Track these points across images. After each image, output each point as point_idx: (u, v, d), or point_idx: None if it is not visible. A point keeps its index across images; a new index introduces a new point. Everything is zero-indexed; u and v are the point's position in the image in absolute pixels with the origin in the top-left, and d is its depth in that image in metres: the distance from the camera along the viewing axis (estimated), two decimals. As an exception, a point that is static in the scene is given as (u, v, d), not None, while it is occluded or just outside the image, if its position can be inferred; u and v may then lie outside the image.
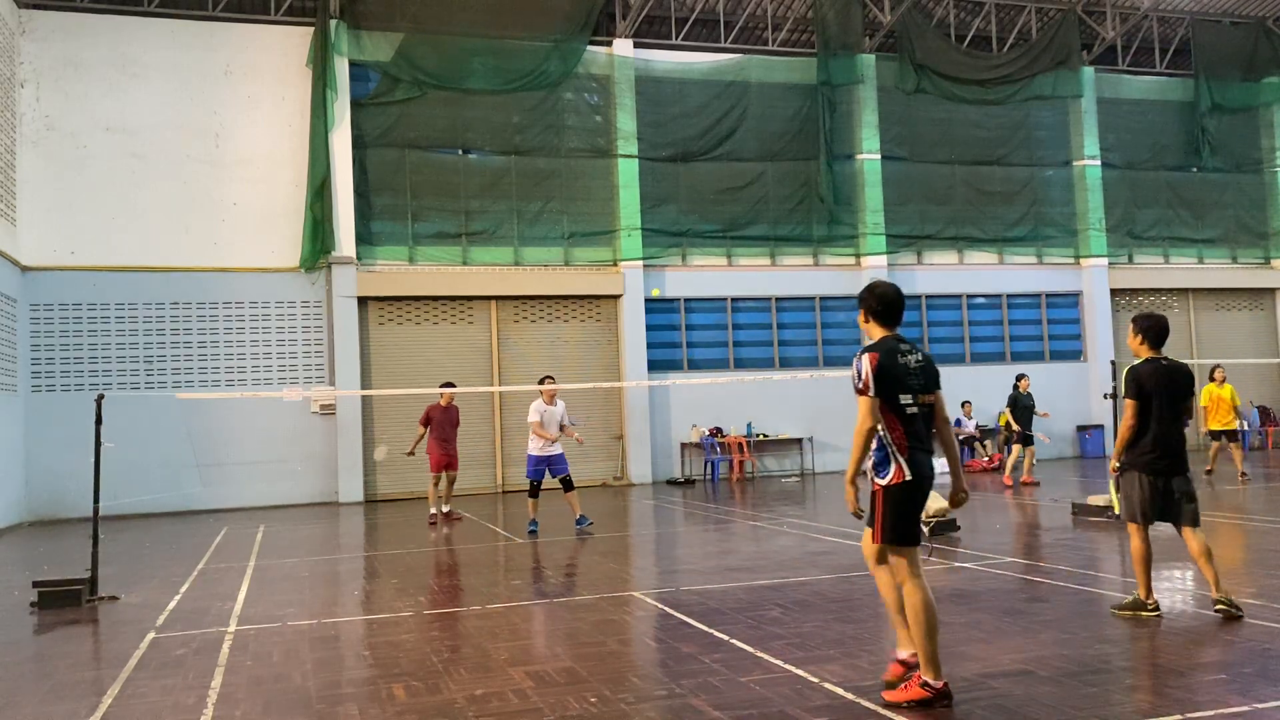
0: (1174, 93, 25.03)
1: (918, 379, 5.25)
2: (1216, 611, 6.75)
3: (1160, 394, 6.80)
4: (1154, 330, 6.95)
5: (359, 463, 19.05)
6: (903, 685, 5.19)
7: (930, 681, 5.07)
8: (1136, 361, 6.99)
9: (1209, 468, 17.57)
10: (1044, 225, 23.81)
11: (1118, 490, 7.09)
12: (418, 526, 14.43)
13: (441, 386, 15.07)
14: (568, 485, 13.07)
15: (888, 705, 5.11)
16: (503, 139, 20.67)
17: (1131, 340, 7.09)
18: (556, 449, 13.01)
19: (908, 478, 5.19)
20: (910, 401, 5.22)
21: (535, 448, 12.98)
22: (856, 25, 22.33)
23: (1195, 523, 6.85)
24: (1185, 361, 7.14)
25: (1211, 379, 17.29)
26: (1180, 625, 6.71)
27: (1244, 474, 16.64)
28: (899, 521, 5.23)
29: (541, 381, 13.35)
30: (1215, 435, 17.35)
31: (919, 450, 5.23)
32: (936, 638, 5.10)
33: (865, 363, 5.20)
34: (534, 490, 13.09)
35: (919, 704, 5.04)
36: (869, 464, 5.33)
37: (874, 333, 5.42)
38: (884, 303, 5.38)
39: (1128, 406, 6.90)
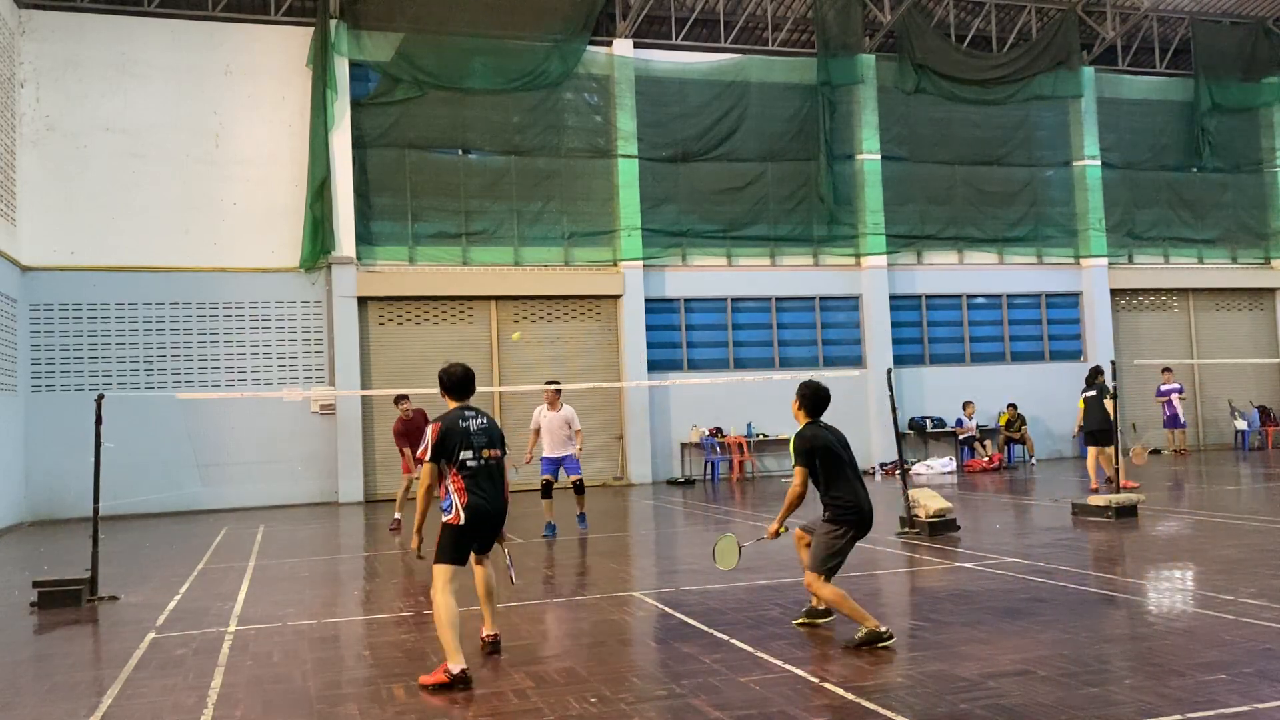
0: (1174, 93, 25.03)
1: (480, 438, 6.35)
2: (795, 624, 7.07)
3: (837, 455, 6.81)
4: (813, 399, 6.98)
5: (359, 463, 19.05)
6: (433, 671, 6.00)
7: (450, 668, 5.88)
8: (800, 428, 6.99)
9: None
10: (1044, 225, 23.80)
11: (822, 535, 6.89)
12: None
13: (398, 401, 14.74)
14: (578, 489, 13.00)
15: (424, 689, 5.86)
16: (503, 139, 20.67)
17: (794, 406, 7.10)
18: (568, 450, 12.83)
19: (462, 521, 6.24)
20: (471, 457, 6.27)
21: (545, 449, 12.88)
22: (856, 25, 22.32)
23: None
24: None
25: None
26: (1180, 625, 6.71)
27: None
28: (450, 548, 6.24)
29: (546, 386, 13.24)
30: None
31: (475, 495, 6.26)
32: (455, 633, 5.99)
33: (429, 432, 6.29)
34: (545, 490, 12.80)
35: (440, 687, 5.81)
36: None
37: (449, 404, 6.51)
38: (449, 381, 6.53)
39: (798, 473, 6.85)
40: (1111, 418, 14.83)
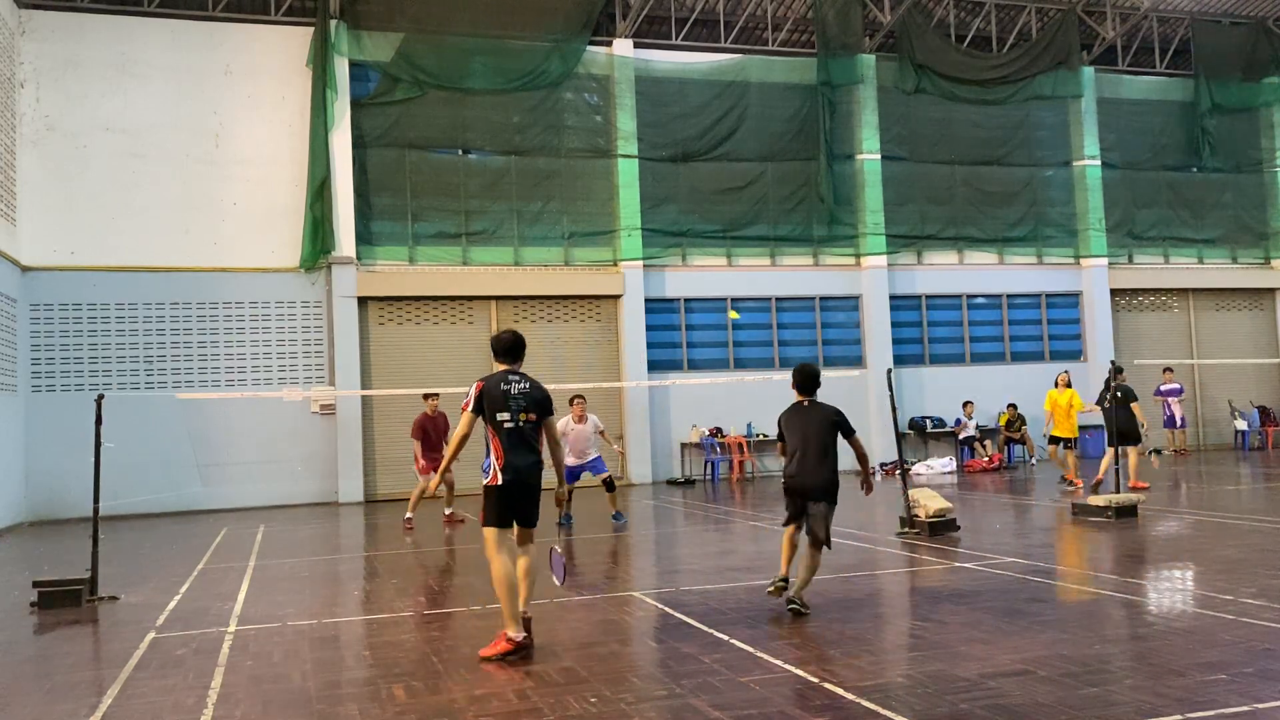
0: (1174, 93, 25.03)
1: (519, 402, 6.68)
2: (789, 608, 7.46)
3: (795, 431, 7.84)
4: (797, 377, 8.06)
5: (359, 463, 19.05)
6: (491, 643, 6.45)
7: (512, 635, 6.36)
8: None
9: (1068, 476, 16.19)
10: (1044, 225, 23.81)
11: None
12: (417, 527, 14.38)
13: (427, 397, 15.03)
14: (609, 486, 13.61)
15: (486, 660, 6.26)
16: (503, 139, 20.67)
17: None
18: (593, 453, 13.52)
19: (499, 481, 6.63)
20: (508, 419, 6.63)
21: (569, 459, 13.12)
22: (856, 25, 22.33)
23: (815, 544, 7.66)
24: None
25: (1055, 385, 16.70)
26: (1180, 625, 6.71)
27: (1075, 481, 15.84)
28: (493, 510, 6.65)
29: (571, 401, 13.56)
30: (1053, 441, 16.58)
31: (510, 456, 6.62)
32: (512, 599, 6.47)
33: (473, 388, 6.74)
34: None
35: (504, 655, 6.29)
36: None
37: (496, 367, 6.92)
38: (499, 346, 6.93)
39: (778, 445, 8.15)
40: (1133, 419, 14.94)
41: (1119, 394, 14.93)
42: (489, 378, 6.80)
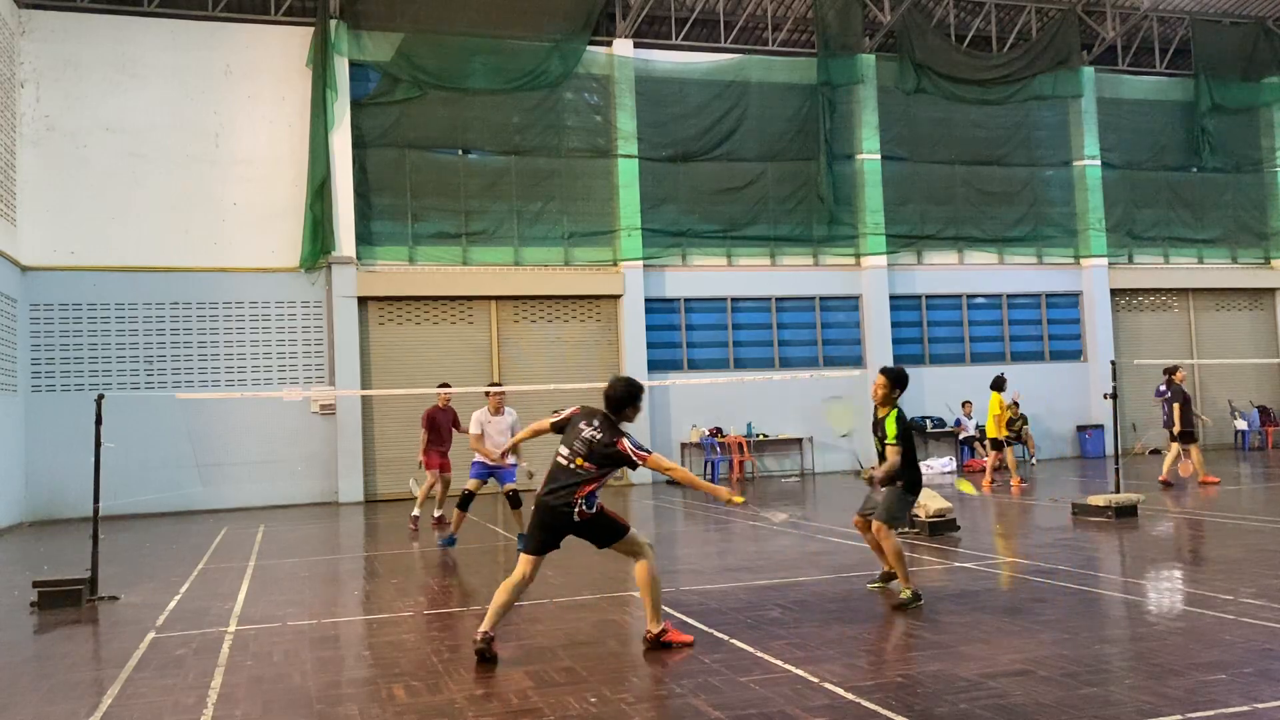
0: (1174, 93, 25.04)
1: (581, 445, 6.57)
2: (870, 587, 8.22)
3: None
4: (904, 380, 8.16)
5: (359, 463, 19.06)
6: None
7: (486, 630, 6.42)
8: (896, 410, 7.99)
9: (1007, 478, 17.26)
10: (1044, 225, 23.82)
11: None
12: (419, 529, 14.37)
13: (439, 387, 14.74)
14: (514, 502, 11.75)
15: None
16: (503, 139, 20.68)
17: (883, 387, 8.04)
18: (510, 460, 11.61)
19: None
20: (565, 455, 6.62)
21: (478, 455, 11.76)
22: (856, 25, 22.33)
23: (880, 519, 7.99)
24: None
25: (1000, 389, 17.00)
26: (1180, 625, 6.71)
27: (992, 481, 16.89)
28: (526, 531, 6.93)
29: (487, 393, 12.24)
30: (996, 444, 17.18)
31: (544, 488, 6.65)
32: (494, 602, 6.58)
33: (570, 409, 6.85)
34: (465, 501, 11.75)
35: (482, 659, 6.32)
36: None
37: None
38: (608, 393, 6.73)
39: (899, 450, 7.88)
40: (1176, 419, 16.02)
41: (1174, 396, 16.30)
42: (581, 409, 6.82)
